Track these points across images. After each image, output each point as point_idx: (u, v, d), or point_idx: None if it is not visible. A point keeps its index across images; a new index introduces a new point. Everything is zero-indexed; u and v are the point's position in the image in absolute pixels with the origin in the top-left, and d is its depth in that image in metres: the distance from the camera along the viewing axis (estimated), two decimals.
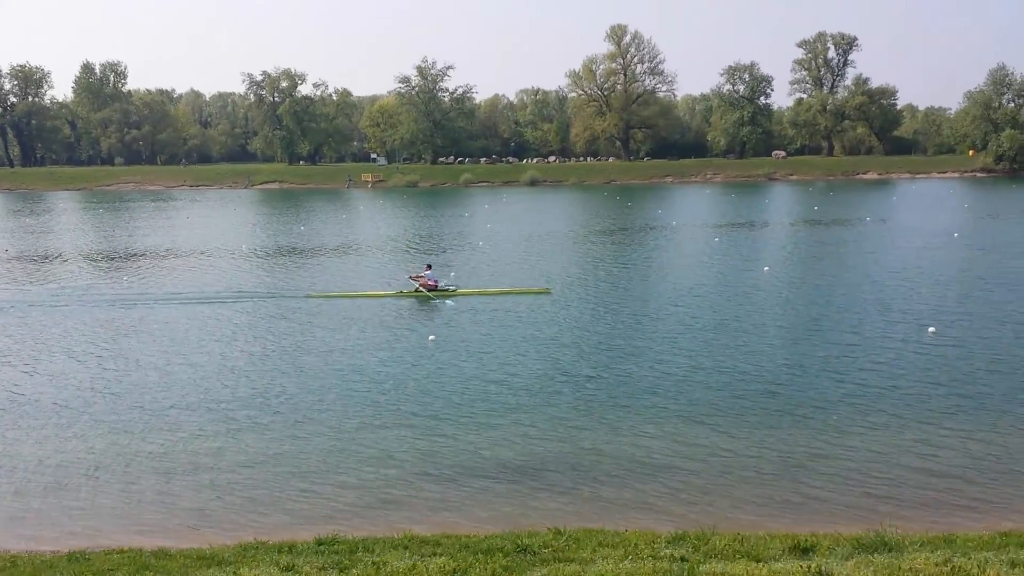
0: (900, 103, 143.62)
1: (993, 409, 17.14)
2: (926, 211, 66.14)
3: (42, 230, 62.87)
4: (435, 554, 9.60)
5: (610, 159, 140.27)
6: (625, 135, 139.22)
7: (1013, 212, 64.47)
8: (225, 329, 25.95)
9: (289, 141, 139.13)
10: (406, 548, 10.14)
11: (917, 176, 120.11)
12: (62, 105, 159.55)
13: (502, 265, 39.23)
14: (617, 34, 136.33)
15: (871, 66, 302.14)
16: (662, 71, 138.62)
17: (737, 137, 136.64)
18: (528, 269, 37.70)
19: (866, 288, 30.85)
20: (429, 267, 31.39)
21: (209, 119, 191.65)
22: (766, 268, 35.82)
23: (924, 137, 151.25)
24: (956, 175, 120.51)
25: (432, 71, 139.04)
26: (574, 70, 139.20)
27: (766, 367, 20.38)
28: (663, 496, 13.39)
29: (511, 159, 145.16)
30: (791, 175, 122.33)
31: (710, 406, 17.55)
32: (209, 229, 61.35)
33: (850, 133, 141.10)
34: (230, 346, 23.57)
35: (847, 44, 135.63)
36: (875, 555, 8.66)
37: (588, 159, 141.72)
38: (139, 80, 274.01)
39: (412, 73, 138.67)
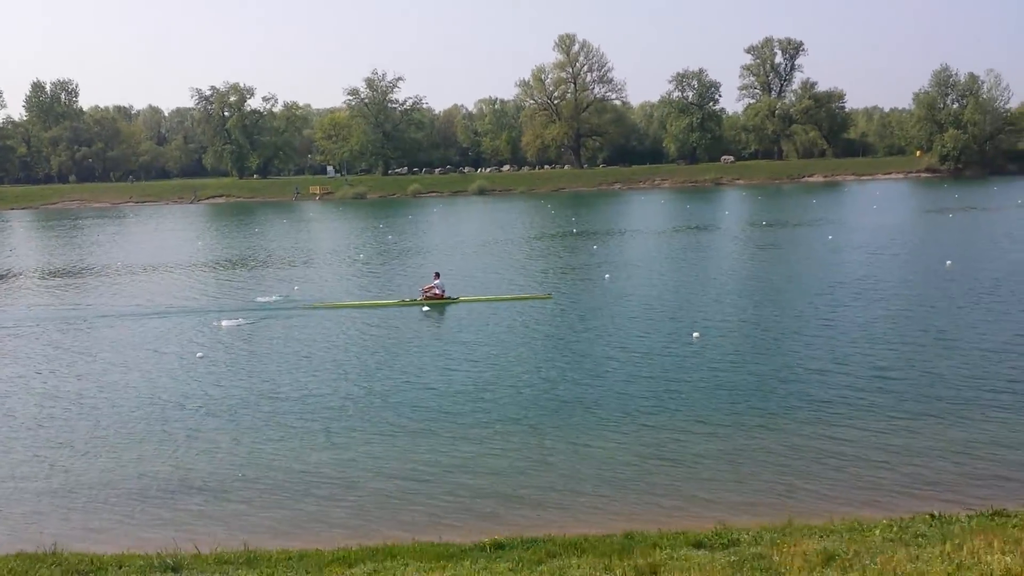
0: (858, 105, 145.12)
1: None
2: (827, 212, 66.89)
3: None
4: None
5: (565, 167, 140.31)
6: (576, 143, 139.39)
7: (905, 210, 64.97)
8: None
9: (239, 155, 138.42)
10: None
11: (863, 178, 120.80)
12: (16, 124, 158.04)
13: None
14: (566, 43, 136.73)
15: (825, 70, 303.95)
16: (611, 79, 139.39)
17: (687, 143, 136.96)
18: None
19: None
20: (437, 275, 30.80)
21: (167, 134, 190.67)
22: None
23: (878, 139, 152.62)
24: (901, 176, 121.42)
25: (382, 83, 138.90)
26: (524, 79, 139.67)
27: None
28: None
29: (466, 169, 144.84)
30: (737, 179, 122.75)
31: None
32: (159, 243, 61.06)
33: (801, 136, 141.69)
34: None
35: (794, 49, 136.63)
36: None
37: (544, 167, 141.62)
38: (97, 97, 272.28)
39: (360, 85, 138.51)
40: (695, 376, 19.33)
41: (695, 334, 22.96)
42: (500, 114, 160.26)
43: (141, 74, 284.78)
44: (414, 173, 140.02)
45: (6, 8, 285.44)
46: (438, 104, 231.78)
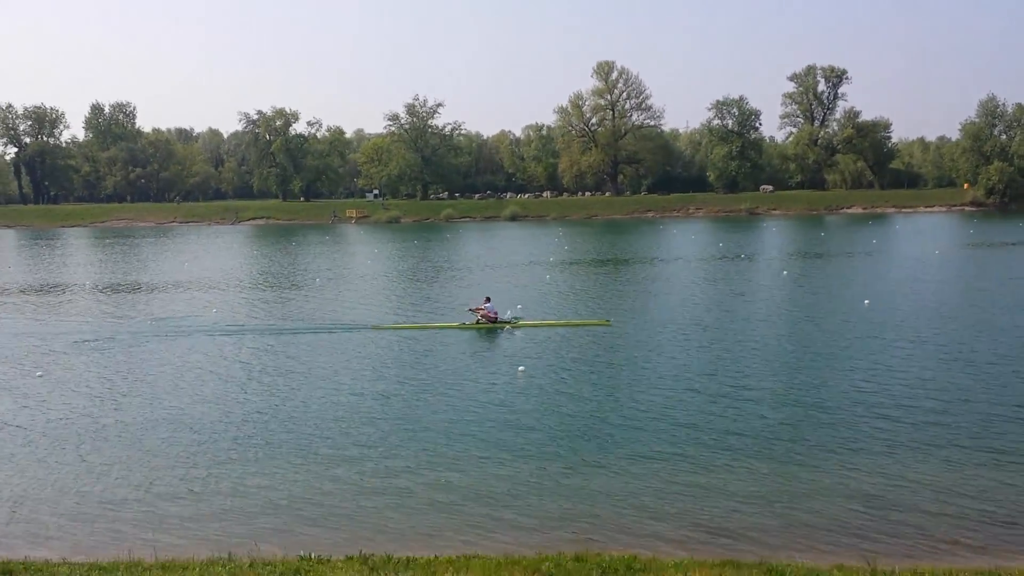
0: (907, 136, 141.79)
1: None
2: (827, 245, 65.36)
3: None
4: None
5: (605, 193, 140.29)
6: (614, 169, 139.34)
7: (911, 246, 62.94)
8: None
9: (283, 178, 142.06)
10: None
11: (904, 210, 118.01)
12: (80, 144, 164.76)
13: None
14: (604, 70, 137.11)
15: (875, 100, 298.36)
16: (650, 106, 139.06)
17: (726, 171, 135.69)
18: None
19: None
20: (488, 299, 31.31)
21: (225, 156, 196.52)
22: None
23: (933, 170, 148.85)
24: (944, 209, 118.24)
25: (423, 108, 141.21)
26: (562, 105, 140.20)
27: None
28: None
29: (507, 195, 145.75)
30: (773, 210, 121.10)
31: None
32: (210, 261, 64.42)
33: (846, 167, 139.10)
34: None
35: (837, 77, 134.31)
36: None
37: (583, 194, 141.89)
38: (158, 120, 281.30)
39: (401, 111, 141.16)
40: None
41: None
42: (546, 140, 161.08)
43: (199, 98, 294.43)
44: (454, 198, 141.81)
45: (70, 32, 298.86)
46: (488, 130, 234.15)
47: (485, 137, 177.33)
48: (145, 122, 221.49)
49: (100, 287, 48.68)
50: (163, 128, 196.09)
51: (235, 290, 45.86)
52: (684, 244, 73.32)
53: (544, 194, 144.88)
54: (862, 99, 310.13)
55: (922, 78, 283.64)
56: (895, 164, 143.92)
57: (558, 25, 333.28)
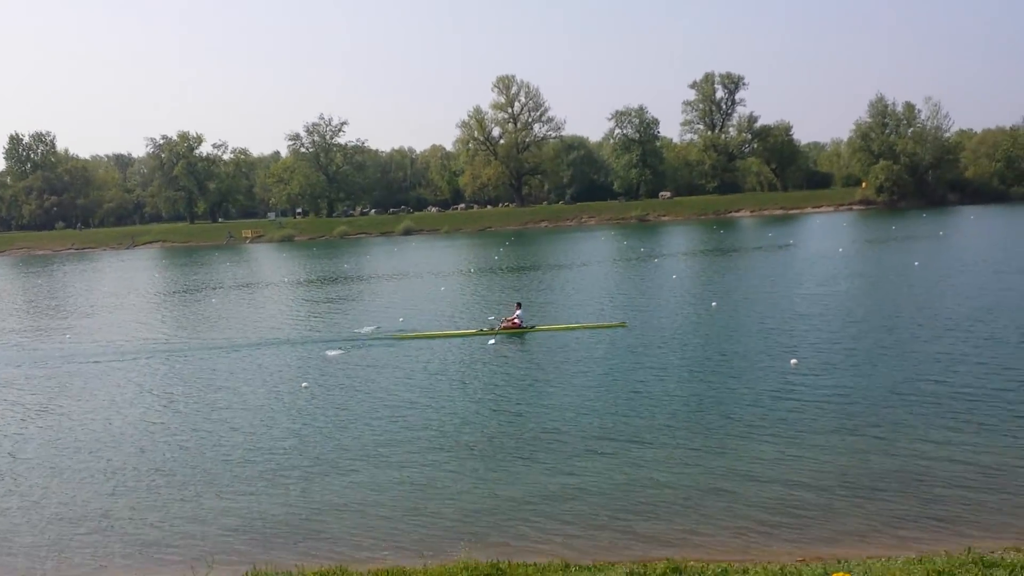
0: (817, 140, 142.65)
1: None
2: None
3: None
4: None
5: (509, 205, 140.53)
6: (518, 181, 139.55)
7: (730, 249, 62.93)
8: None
9: (188, 200, 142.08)
10: None
11: (791, 212, 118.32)
12: None
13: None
14: (504, 83, 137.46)
15: (788, 107, 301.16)
16: (551, 118, 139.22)
17: (627, 179, 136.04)
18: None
19: None
20: (519, 305, 30.51)
21: (135, 181, 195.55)
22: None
23: (841, 170, 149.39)
24: (831, 209, 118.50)
25: (328, 127, 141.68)
26: (464, 119, 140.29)
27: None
28: None
29: (433, 208, 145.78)
30: (663, 216, 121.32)
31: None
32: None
33: (748, 171, 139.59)
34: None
35: (733, 83, 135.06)
36: None
37: (491, 206, 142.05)
38: (72, 144, 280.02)
39: (302, 131, 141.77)
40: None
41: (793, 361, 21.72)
42: (474, 154, 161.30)
43: (110, 124, 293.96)
44: (363, 215, 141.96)
45: None
46: (420, 145, 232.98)
47: (418, 152, 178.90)
48: (82, 149, 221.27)
49: None
50: (101, 155, 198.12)
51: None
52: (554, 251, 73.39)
53: (431, 208, 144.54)
54: (776, 103, 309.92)
55: (839, 79, 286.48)
56: (806, 166, 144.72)
57: (461, 37, 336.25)
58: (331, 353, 26.56)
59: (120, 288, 58.02)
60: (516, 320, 29.19)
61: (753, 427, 16.33)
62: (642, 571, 9.75)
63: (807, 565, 9.89)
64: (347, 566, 10.91)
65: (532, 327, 29.21)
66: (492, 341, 27.50)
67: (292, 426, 18.47)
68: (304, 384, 22.38)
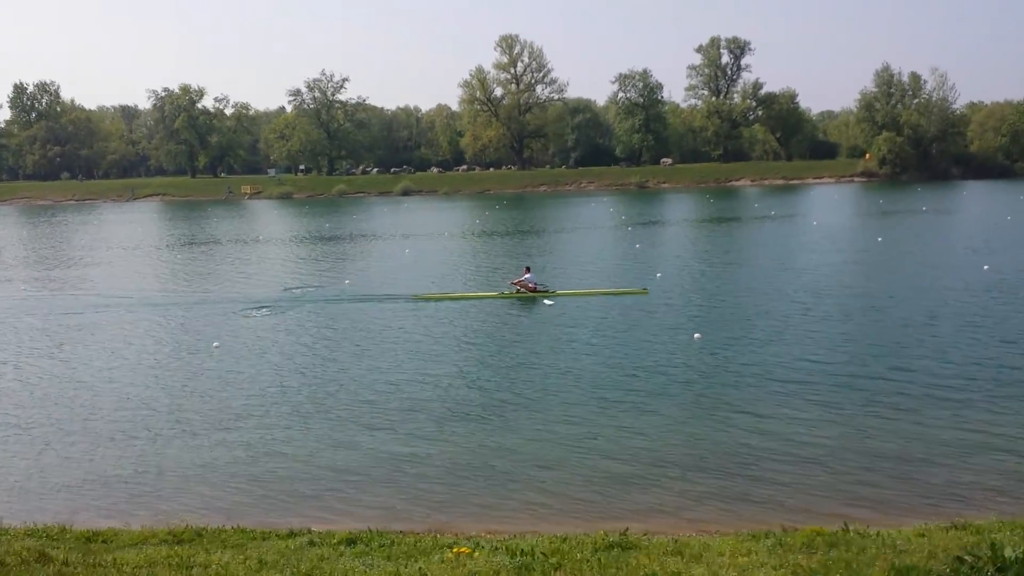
0: (832, 109, 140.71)
1: None
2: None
3: None
4: None
5: (511, 167, 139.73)
6: (520, 144, 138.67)
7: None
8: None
9: (188, 154, 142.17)
10: None
11: (792, 182, 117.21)
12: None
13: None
14: (507, 43, 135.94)
15: (801, 74, 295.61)
16: (555, 80, 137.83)
17: (630, 144, 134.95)
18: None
19: None
20: (528, 269, 30.98)
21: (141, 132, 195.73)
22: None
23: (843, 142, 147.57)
24: (832, 181, 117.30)
25: (329, 83, 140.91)
26: (466, 79, 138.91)
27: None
28: None
29: (435, 169, 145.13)
30: (663, 183, 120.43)
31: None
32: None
33: (750, 138, 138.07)
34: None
35: (739, 48, 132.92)
36: None
37: (494, 168, 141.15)
38: (78, 94, 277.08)
39: (302, 86, 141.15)
40: None
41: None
42: (452, 117, 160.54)
43: (118, 77, 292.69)
44: (365, 173, 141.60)
45: None
46: (426, 104, 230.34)
47: (423, 111, 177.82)
48: (90, 102, 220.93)
49: None
50: (107, 106, 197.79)
51: None
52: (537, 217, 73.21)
53: (433, 169, 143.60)
54: (788, 71, 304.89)
55: (853, 46, 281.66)
56: (812, 135, 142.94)
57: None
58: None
59: (94, 242, 58.38)
60: (531, 284, 29.55)
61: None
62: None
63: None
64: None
65: (551, 290, 29.69)
66: (549, 302, 28.16)
67: (195, 385, 18.82)
68: (215, 344, 23.10)
